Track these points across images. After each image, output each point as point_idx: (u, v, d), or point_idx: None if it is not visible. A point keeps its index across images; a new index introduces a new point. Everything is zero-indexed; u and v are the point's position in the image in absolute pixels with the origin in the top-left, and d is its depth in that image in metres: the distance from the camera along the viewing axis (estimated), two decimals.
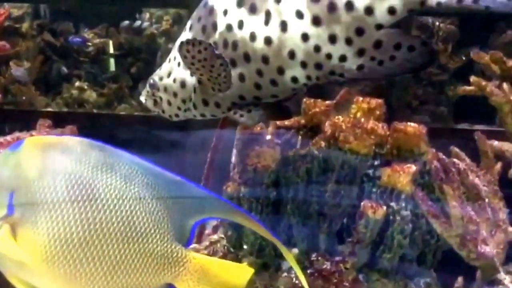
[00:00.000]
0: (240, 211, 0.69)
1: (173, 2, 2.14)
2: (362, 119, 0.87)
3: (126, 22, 2.11)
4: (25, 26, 2.17)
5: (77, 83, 2.19)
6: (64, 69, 2.22)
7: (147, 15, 2.17)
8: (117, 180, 0.64)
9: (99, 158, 0.64)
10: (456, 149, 0.88)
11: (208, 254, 0.88)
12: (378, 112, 0.89)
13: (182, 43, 0.84)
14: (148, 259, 0.64)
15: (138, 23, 2.12)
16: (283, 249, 0.66)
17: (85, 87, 2.20)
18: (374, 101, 0.89)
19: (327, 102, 0.91)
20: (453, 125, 1.66)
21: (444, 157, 0.84)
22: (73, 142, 0.65)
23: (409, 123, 0.86)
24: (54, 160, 0.64)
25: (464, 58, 1.59)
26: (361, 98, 0.89)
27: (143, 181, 0.65)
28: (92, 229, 0.62)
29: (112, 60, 2.23)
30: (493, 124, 1.54)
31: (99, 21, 2.17)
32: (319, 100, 0.91)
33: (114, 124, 2.16)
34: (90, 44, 2.18)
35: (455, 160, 0.85)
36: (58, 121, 2.13)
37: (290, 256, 0.67)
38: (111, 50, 2.23)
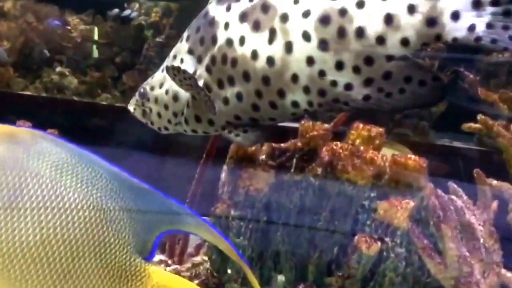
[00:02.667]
0: (207, 225, 0.64)
1: None
2: (361, 148, 0.83)
3: (115, 11, 2.06)
4: (7, 5, 2.10)
5: (58, 68, 2.14)
6: (46, 53, 2.16)
7: (136, 6, 2.12)
8: (78, 183, 0.58)
9: (60, 156, 0.58)
10: (454, 185, 0.85)
11: (190, 277, 0.84)
12: (377, 141, 0.85)
13: (167, 67, 0.81)
14: (104, 270, 0.58)
15: (127, 12, 2.07)
16: (247, 271, 0.62)
17: (67, 73, 2.15)
18: (375, 129, 0.86)
19: (325, 126, 0.87)
20: (434, 140, 1.66)
21: (442, 194, 0.81)
22: (30, 136, 0.59)
23: (409, 156, 0.82)
24: (5, 154, 0.56)
25: (448, 74, 1.59)
26: (361, 125, 0.86)
27: (107, 187, 0.59)
28: (44, 234, 0.56)
29: (95, 47, 2.18)
30: (471, 141, 1.54)
31: (86, 8, 2.12)
32: (317, 123, 0.87)
33: (93, 113, 2.11)
34: (69, 28, 2.13)
35: (453, 197, 0.82)
36: (35, 106, 2.08)
37: (253, 279, 0.63)
38: (96, 37, 2.18)
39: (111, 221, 0.59)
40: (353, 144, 0.85)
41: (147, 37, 2.11)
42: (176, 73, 0.79)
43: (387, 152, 0.84)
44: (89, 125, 2.06)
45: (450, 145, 1.62)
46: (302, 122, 0.88)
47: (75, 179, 0.58)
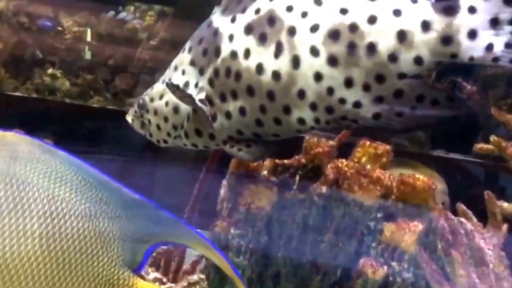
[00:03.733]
0: (201, 237, 0.60)
1: None
2: (368, 166, 0.79)
3: (111, 13, 2.02)
4: (0, 5, 2.06)
5: (50, 70, 2.10)
6: (39, 54, 2.12)
7: (132, 9, 2.08)
8: (67, 192, 0.55)
9: (50, 164, 0.55)
10: (463, 207, 0.81)
11: None
12: (384, 160, 0.81)
13: (167, 83, 0.77)
14: (91, 284, 0.55)
15: (122, 15, 2.03)
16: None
17: (58, 74, 2.12)
18: (382, 147, 0.81)
19: (331, 142, 0.83)
20: (430, 151, 1.63)
21: (452, 216, 0.77)
22: (19, 141, 0.55)
23: (418, 176, 0.78)
24: None
25: (446, 84, 1.56)
26: (368, 142, 0.82)
27: (96, 196, 0.56)
28: (29, 244, 0.52)
29: (87, 48, 2.14)
30: (468, 153, 1.51)
31: (81, 10, 2.07)
32: (322, 139, 0.83)
33: (85, 116, 2.07)
34: (60, 28, 2.09)
35: (462, 220, 0.78)
36: (26, 107, 2.03)
37: None
38: (88, 38, 2.14)
39: (100, 232, 0.56)
40: (359, 161, 0.81)
41: (141, 40, 2.08)
42: (175, 90, 0.76)
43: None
44: (80, 127, 2.02)
45: (447, 157, 1.60)
46: (307, 138, 0.83)
47: (64, 187, 0.55)
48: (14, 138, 0.55)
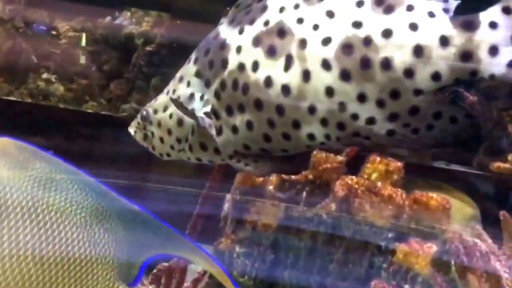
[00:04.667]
0: (199, 249, 0.57)
1: (155, 4, 2.02)
2: (379, 183, 0.75)
3: (108, 18, 1.98)
4: None
5: (44, 75, 2.07)
6: (34, 59, 2.09)
7: (128, 14, 2.04)
8: (62, 201, 0.51)
9: (44, 171, 0.51)
10: (478, 227, 0.77)
11: None
12: (396, 177, 0.77)
13: (171, 98, 0.74)
14: None
15: (119, 20, 1.99)
16: None
17: (53, 79, 2.08)
18: (393, 164, 0.77)
19: (339, 158, 0.79)
20: (430, 162, 1.59)
21: (467, 238, 0.73)
22: (13, 147, 0.51)
23: (431, 195, 0.74)
24: None
25: (448, 94, 1.52)
26: (378, 158, 0.78)
27: (93, 206, 0.53)
28: (21, 255, 0.49)
29: (81, 53, 2.11)
30: (470, 165, 1.47)
31: (77, 15, 2.04)
32: (331, 154, 0.78)
33: (78, 121, 2.03)
34: (54, 33, 2.06)
35: (477, 241, 0.74)
36: (19, 112, 1.99)
37: None
38: (83, 43, 2.10)
39: (95, 244, 0.52)
40: (369, 178, 0.77)
41: (138, 46, 2.04)
42: (179, 105, 0.72)
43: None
44: (74, 132, 1.98)
45: (449, 168, 1.55)
46: (315, 152, 0.79)
47: (59, 196, 0.51)
48: (8, 145, 0.52)
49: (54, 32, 2.06)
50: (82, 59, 2.10)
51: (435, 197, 0.74)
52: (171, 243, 0.56)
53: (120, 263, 0.54)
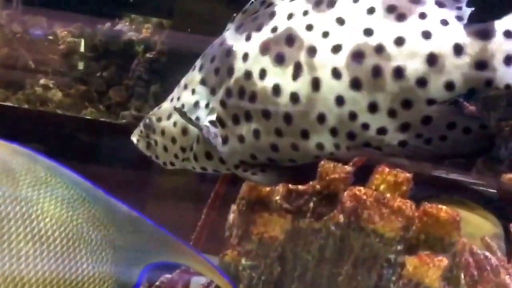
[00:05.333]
0: (200, 257, 0.55)
1: (156, 11, 2.00)
2: (388, 195, 0.73)
3: (107, 24, 1.96)
4: None
5: (42, 80, 2.04)
6: (31, 64, 2.06)
7: (128, 21, 2.02)
8: (57, 207, 0.49)
9: (39, 175, 0.49)
10: (488, 240, 0.75)
11: None
12: (404, 188, 0.75)
13: (175, 107, 0.72)
14: None
15: (119, 27, 1.98)
16: None
17: (51, 85, 2.06)
18: (402, 175, 0.76)
19: (347, 168, 0.77)
20: (430, 171, 1.58)
21: (478, 251, 0.71)
22: (5, 150, 0.49)
23: (441, 207, 0.73)
24: None
25: (447, 105, 1.51)
26: (386, 169, 0.76)
27: (90, 212, 0.51)
28: (14, 263, 0.46)
29: (81, 59, 2.09)
30: (468, 174, 1.46)
31: (77, 21, 2.02)
32: (339, 164, 0.77)
33: (76, 127, 2.00)
34: (50, 38, 2.04)
35: (487, 254, 0.72)
36: (16, 118, 1.96)
37: None
38: (82, 49, 2.08)
39: (92, 251, 0.50)
40: (377, 189, 0.75)
41: (137, 52, 2.03)
42: (182, 115, 0.70)
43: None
44: (71, 139, 1.95)
45: (448, 178, 1.54)
46: (322, 162, 0.77)
47: (54, 201, 0.49)
48: (1, 147, 0.49)
49: (52, 38, 2.04)
50: (81, 65, 2.09)
51: (444, 209, 0.73)
52: (171, 250, 0.54)
53: (118, 271, 0.52)
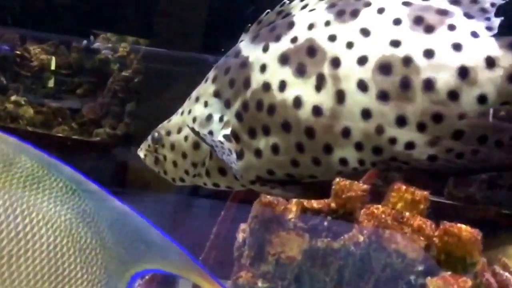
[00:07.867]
0: (199, 267, 0.48)
1: (133, 30, 1.95)
2: (407, 213, 0.69)
3: (84, 42, 1.90)
4: None
5: (13, 97, 1.96)
6: (3, 80, 1.98)
7: (104, 39, 1.96)
8: (45, 201, 0.44)
9: (25, 166, 0.44)
10: (505, 260, 0.71)
11: None
12: (422, 206, 0.71)
13: (187, 125, 0.69)
14: None
15: (95, 45, 1.91)
16: None
17: (22, 102, 1.98)
18: (420, 193, 0.71)
19: (364, 186, 0.72)
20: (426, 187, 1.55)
21: (500, 271, 0.67)
22: None
23: (462, 226, 0.68)
24: None
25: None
26: (403, 187, 0.71)
27: (79, 207, 0.45)
28: None
29: (52, 76, 2.02)
30: (441, 195, 1.44)
31: (52, 38, 1.95)
32: (355, 182, 0.72)
33: (48, 145, 1.91)
34: (18, 52, 1.97)
35: (507, 274, 0.68)
36: None
37: None
38: (53, 67, 2.01)
39: (81, 250, 0.45)
40: (394, 208, 0.71)
41: (113, 71, 1.96)
42: (196, 134, 0.65)
43: None
44: None
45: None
46: (337, 180, 0.72)
47: (41, 195, 0.44)
48: None
49: (26, 54, 1.96)
50: (51, 83, 2.02)
51: (464, 228, 0.68)
52: (166, 256, 0.48)
53: (107, 274, 0.46)
